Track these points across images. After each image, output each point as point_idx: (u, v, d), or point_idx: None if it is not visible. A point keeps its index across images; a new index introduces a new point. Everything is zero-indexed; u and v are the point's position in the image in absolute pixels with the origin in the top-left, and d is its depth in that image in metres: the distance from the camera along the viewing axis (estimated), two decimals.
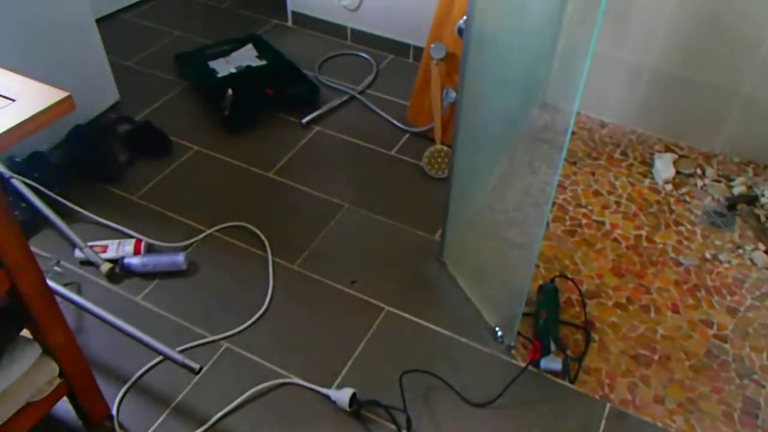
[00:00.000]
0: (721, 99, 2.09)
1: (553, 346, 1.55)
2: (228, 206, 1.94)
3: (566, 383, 1.53)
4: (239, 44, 2.56)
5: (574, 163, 2.15)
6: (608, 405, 1.49)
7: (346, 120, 2.30)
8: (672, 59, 2.10)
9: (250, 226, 1.87)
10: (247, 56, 2.50)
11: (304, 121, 2.25)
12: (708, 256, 1.85)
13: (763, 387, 1.54)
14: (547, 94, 2.39)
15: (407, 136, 2.23)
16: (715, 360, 1.59)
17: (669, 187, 2.06)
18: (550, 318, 1.62)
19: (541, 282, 1.74)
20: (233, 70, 2.41)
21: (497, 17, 1.67)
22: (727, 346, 1.62)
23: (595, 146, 2.22)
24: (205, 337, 1.59)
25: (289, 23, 2.80)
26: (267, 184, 2.04)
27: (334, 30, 2.69)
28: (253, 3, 2.93)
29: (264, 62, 2.47)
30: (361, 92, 2.41)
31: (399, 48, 2.59)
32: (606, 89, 2.26)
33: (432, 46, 2.07)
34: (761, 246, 1.86)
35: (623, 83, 2.22)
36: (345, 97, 2.37)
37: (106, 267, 1.72)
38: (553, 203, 2.00)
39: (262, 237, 1.84)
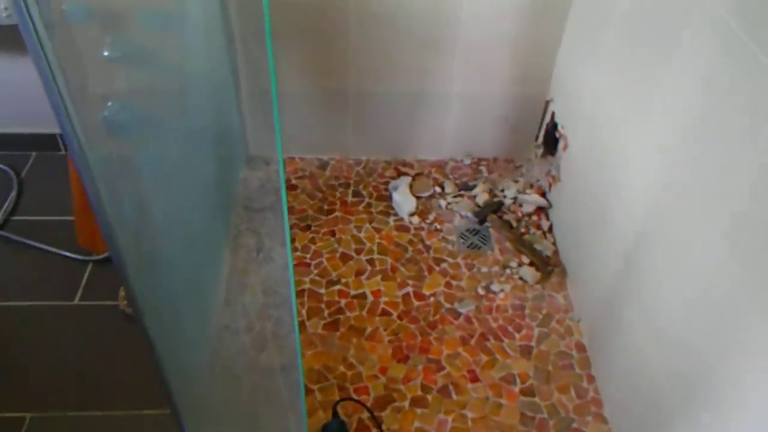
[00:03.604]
0: (434, 103, 1.88)
1: None
2: None
3: None
4: None
5: (309, 227, 1.79)
6: None
7: None
8: (371, 77, 1.82)
9: None
10: None
11: None
12: (481, 291, 1.65)
13: None
14: (249, 144, 1.98)
15: (90, 268, 1.65)
16: (532, 424, 1.40)
17: (416, 219, 1.82)
18: None
19: (322, 417, 1.37)
20: None
21: (130, 86, 1.22)
22: (537, 399, 1.44)
23: (324, 196, 1.88)
24: None
25: None
26: None
27: None
28: None
29: None
30: (2, 224, 1.74)
31: (41, 141, 1.94)
32: (312, 122, 1.92)
33: None
34: (524, 258, 1.71)
35: (328, 111, 1.90)
36: None
37: None
38: (302, 290, 1.63)
39: None
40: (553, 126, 1.83)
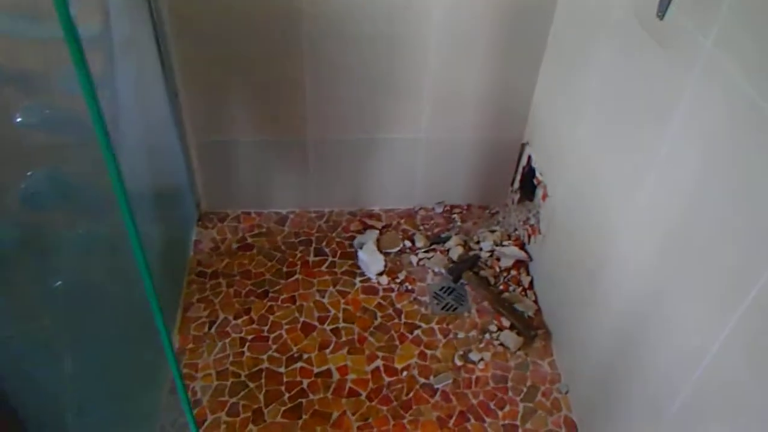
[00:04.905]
0: (402, 148, 1.72)
1: None
2: None
3: None
4: None
5: (266, 294, 1.62)
6: None
7: None
8: (331, 123, 1.66)
9: None
10: None
11: None
12: (458, 361, 1.49)
13: None
14: (201, 201, 1.80)
15: None
16: None
17: (385, 279, 1.65)
18: None
19: None
20: None
21: None
22: None
23: (283, 256, 1.71)
24: None
25: None
26: None
27: None
28: None
29: None
30: None
31: None
32: (269, 174, 1.75)
33: None
34: (504, 321, 1.56)
35: (285, 161, 1.73)
36: None
37: None
38: (259, 371, 1.45)
39: None
40: (530, 171, 1.69)
